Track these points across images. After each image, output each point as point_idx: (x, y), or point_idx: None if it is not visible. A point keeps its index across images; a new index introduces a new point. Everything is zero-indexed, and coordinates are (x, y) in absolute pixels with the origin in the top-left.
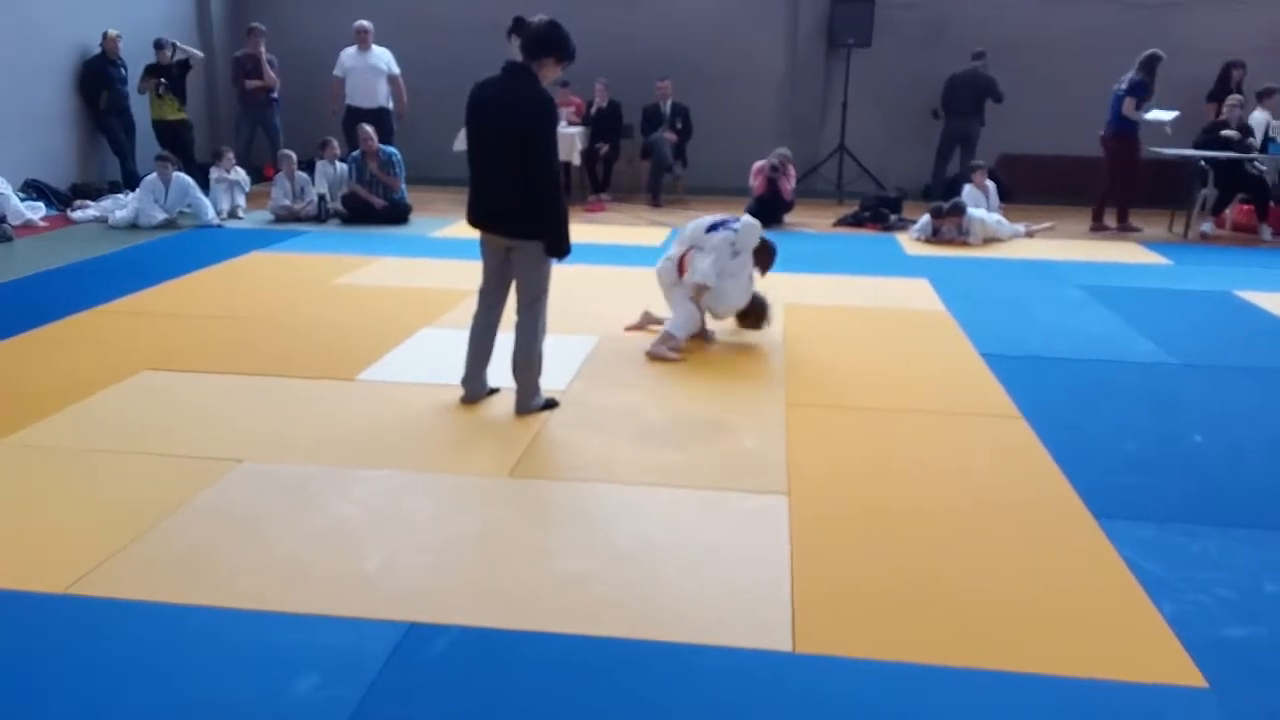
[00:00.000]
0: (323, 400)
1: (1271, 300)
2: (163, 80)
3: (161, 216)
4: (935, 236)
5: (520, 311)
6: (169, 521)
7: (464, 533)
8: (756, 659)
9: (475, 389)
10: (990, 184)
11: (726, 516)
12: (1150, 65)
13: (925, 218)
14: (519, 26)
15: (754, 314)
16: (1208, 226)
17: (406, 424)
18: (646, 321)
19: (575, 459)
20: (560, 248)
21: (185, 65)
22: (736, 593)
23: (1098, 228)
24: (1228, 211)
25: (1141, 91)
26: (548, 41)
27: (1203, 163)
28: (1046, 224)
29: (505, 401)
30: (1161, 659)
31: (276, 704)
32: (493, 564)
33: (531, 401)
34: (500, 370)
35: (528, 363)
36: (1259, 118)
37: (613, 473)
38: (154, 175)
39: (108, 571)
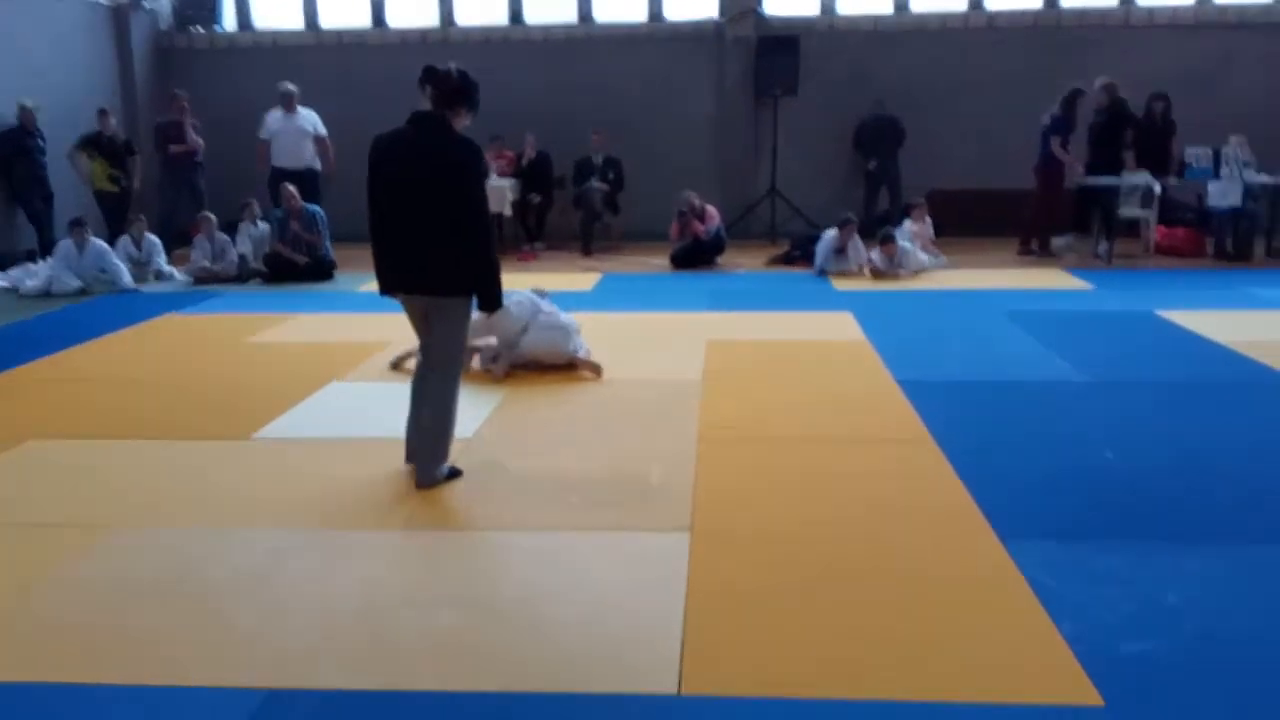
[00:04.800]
0: (211, 462)
1: (1192, 318)
2: (116, 175)
3: (76, 284)
4: (877, 270)
5: (434, 371)
6: (26, 596)
7: (341, 590)
8: (637, 704)
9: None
10: (928, 219)
11: (623, 558)
12: (1071, 101)
13: (828, 234)
14: (431, 76)
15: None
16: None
17: (296, 481)
18: (407, 356)
19: (473, 507)
20: (495, 299)
21: (129, 144)
22: (625, 637)
23: (1025, 251)
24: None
25: (1063, 127)
26: (463, 91)
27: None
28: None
29: (401, 454)
30: (1059, 678)
31: None
32: (367, 622)
33: (437, 472)
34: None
35: (438, 431)
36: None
37: (510, 519)
38: (69, 241)
39: None
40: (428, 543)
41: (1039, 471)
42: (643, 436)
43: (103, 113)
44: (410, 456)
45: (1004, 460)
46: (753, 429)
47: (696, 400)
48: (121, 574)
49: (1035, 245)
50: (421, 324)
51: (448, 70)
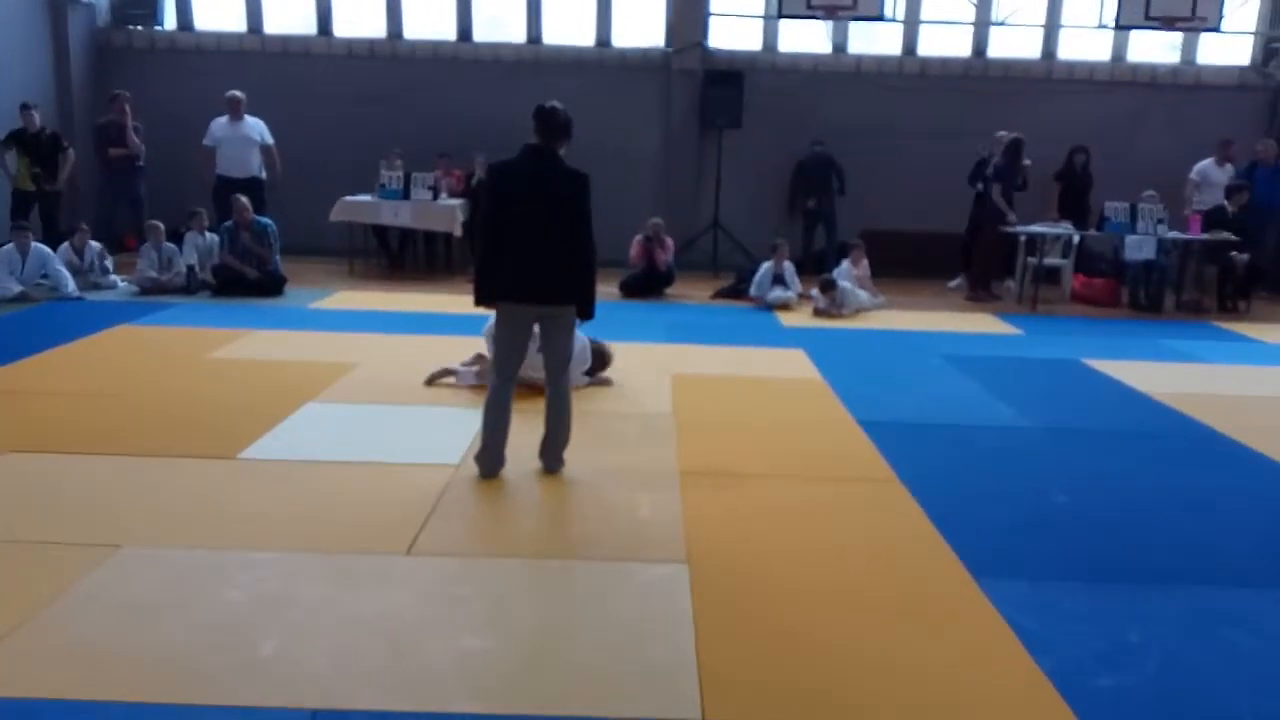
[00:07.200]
0: (204, 480)
1: (1115, 367)
2: (37, 173)
3: (17, 289)
4: (819, 310)
5: (553, 383)
6: (48, 612)
7: (361, 615)
8: None
9: (497, 464)
10: (865, 260)
11: (629, 588)
12: (1012, 149)
13: (764, 265)
14: (538, 114)
15: (599, 363)
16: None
17: (295, 504)
18: (442, 374)
19: (473, 534)
20: (592, 309)
21: (56, 138)
22: (643, 665)
23: (974, 297)
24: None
25: (1002, 176)
26: (567, 126)
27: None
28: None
29: (398, 477)
30: (1044, 710)
31: None
32: (394, 646)
33: (563, 455)
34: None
35: (568, 424)
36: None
37: (511, 546)
38: (11, 245)
39: None
40: (436, 567)
41: (1001, 513)
42: (626, 468)
43: (25, 107)
44: (492, 459)
45: (966, 501)
46: (730, 464)
47: (671, 433)
48: (139, 593)
49: (980, 290)
50: (521, 334)
51: (554, 108)
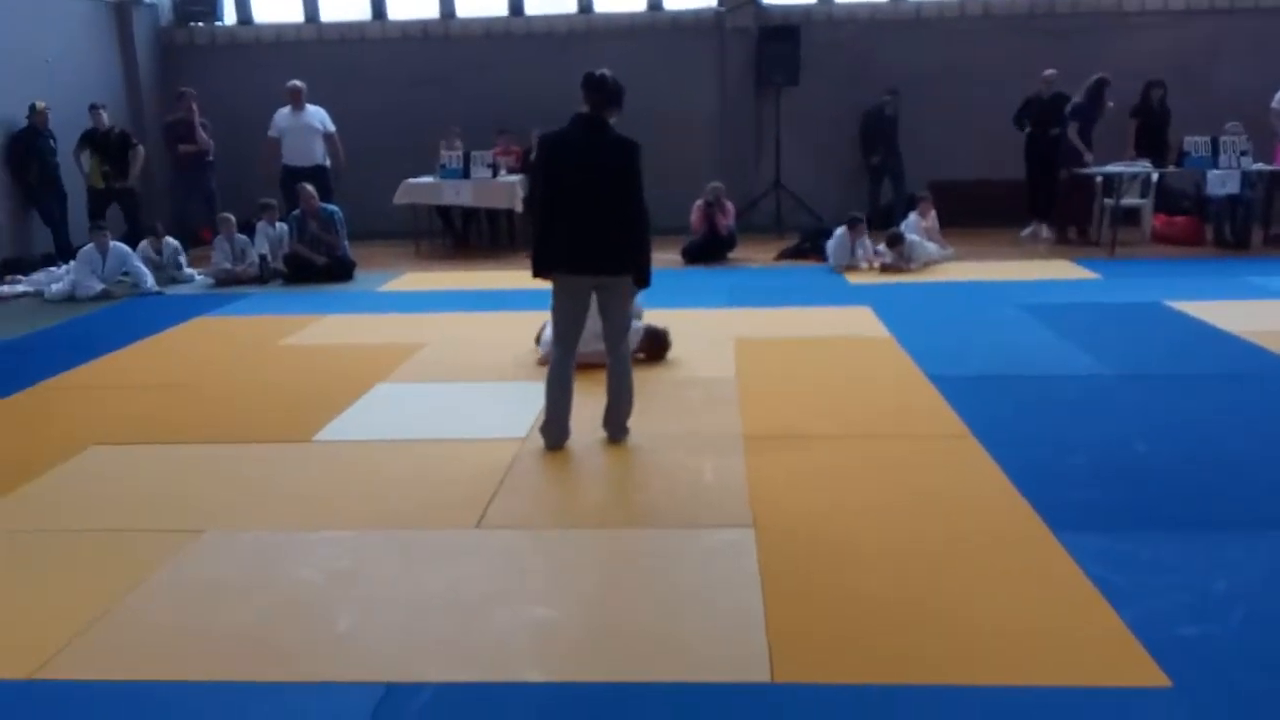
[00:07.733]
0: (281, 464)
1: (1200, 308)
2: (107, 171)
3: (99, 287)
4: (887, 265)
5: (613, 353)
6: (133, 597)
7: (432, 589)
8: (737, 692)
9: (562, 436)
10: (933, 212)
11: (694, 553)
12: (1096, 89)
13: (838, 232)
14: (587, 82)
15: (655, 347)
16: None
17: (367, 483)
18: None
19: (540, 506)
20: (648, 277)
21: (125, 137)
22: (711, 628)
23: (1064, 240)
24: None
25: (1082, 114)
26: (617, 94)
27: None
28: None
29: (467, 453)
30: (1126, 662)
31: None
32: (464, 618)
33: (627, 424)
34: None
35: (629, 401)
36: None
37: (578, 517)
38: (91, 246)
39: (75, 652)
40: (505, 540)
41: (1078, 464)
42: (689, 433)
43: (93, 108)
44: (557, 431)
45: (1043, 454)
46: (795, 426)
47: (734, 397)
48: (220, 575)
49: (1073, 233)
50: (579, 304)
51: (603, 75)
